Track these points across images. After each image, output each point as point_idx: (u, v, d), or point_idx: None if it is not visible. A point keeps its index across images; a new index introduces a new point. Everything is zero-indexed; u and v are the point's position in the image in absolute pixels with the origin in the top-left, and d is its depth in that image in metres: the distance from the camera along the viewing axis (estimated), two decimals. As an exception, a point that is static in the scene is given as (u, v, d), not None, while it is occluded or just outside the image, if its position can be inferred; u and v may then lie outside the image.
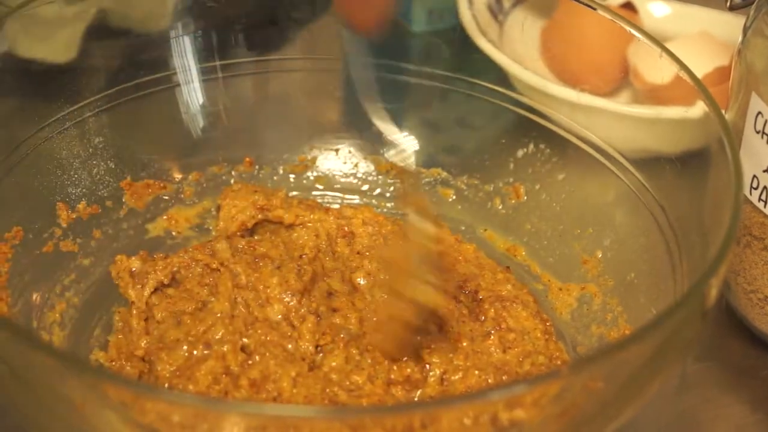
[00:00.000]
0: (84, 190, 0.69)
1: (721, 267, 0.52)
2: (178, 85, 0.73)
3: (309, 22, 0.77)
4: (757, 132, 0.65)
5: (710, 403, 0.69)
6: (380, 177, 0.77)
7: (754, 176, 0.66)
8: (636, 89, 0.80)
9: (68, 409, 0.50)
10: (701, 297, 0.52)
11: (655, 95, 0.76)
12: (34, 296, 0.64)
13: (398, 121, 0.76)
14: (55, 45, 0.69)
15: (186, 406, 0.47)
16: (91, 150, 0.69)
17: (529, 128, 0.73)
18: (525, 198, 0.74)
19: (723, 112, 0.61)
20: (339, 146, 0.77)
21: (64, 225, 0.68)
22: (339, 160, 0.77)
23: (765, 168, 0.65)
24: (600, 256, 0.70)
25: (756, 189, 0.66)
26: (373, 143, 0.77)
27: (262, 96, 0.76)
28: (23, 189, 0.67)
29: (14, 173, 0.65)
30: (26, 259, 0.65)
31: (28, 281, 0.64)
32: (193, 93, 0.73)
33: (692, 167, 0.64)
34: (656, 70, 0.71)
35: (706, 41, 0.81)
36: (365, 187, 0.77)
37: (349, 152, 0.77)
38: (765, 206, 0.66)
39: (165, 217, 0.72)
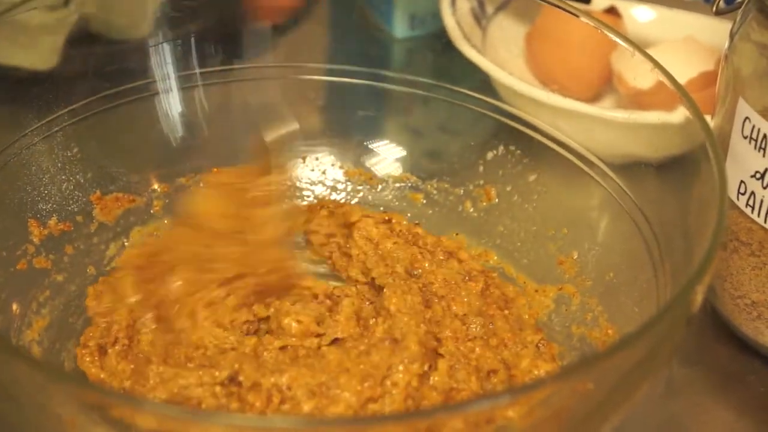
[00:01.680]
0: (54, 205, 0.68)
1: (706, 274, 0.52)
2: (149, 95, 0.72)
3: (289, 29, 0.77)
4: (745, 137, 0.65)
5: (698, 408, 0.68)
6: (349, 184, 0.76)
7: (742, 181, 0.66)
8: (620, 95, 0.80)
9: (57, 427, 0.50)
10: (687, 303, 0.52)
11: (638, 101, 0.76)
12: (11, 315, 0.63)
13: (380, 128, 0.77)
14: (37, 52, 0.68)
15: (173, 419, 0.46)
16: (60, 165, 0.69)
17: (499, 130, 0.73)
18: (496, 200, 0.73)
19: (709, 118, 0.61)
20: (307, 153, 0.76)
21: (37, 241, 0.67)
22: (306, 168, 0.76)
23: (752, 173, 0.65)
24: (576, 256, 0.69)
25: (743, 194, 0.66)
26: (345, 150, 0.76)
27: (236, 104, 0.76)
28: (-4, 206, 0.66)
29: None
30: (1, 278, 0.64)
31: (5, 299, 0.64)
32: (166, 102, 0.73)
33: (674, 172, 0.64)
34: (639, 75, 0.71)
35: (691, 46, 0.80)
36: (334, 196, 0.76)
37: (317, 159, 0.76)
38: (752, 212, 0.66)
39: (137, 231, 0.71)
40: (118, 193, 0.70)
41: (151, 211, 0.72)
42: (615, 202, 0.66)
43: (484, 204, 0.74)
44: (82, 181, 0.69)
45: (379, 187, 0.76)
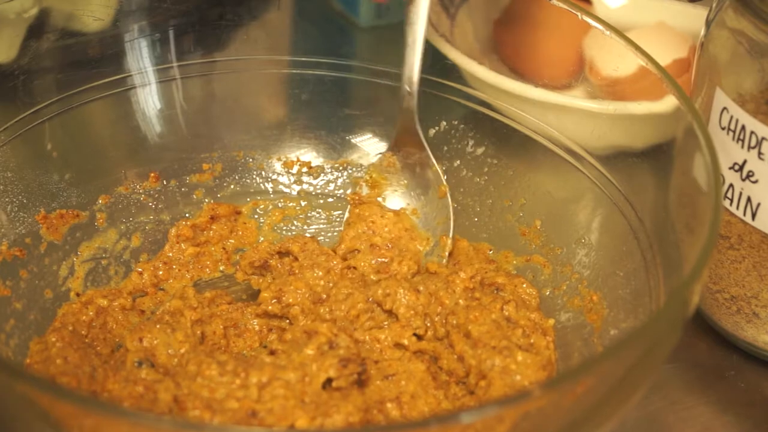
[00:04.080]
0: (2, 230, 0.66)
1: (703, 271, 0.50)
2: (79, 105, 0.70)
3: (258, 19, 0.75)
4: (722, 128, 0.64)
5: (677, 405, 0.67)
6: (291, 176, 0.75)
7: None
8: (592, 82, 0.78)
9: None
10: (683, 302, 0.50)
11: (612, 89, 0.74)
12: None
13: (346, 120, 0.75)
14: None
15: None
16: (2, 187, 0.67)
17: (439, 105, 0.72)
18: (445, 177, 0.72)
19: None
20: (244, 149, 0.75)
21: None
22: (251, 162, 0.74)
23: (731, 165, 0.64)
24: (540, 225, 0.69)
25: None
26: (297, 143, 0.75)
27: (172, 107, 0.74)
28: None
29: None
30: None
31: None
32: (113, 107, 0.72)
33: (656, 157, 0.63)
34: (616, 62, 0.69)
35: (664, 32, 0.79)
36: (271, 187, 0.75)
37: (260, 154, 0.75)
38: (731, 204, 0.65)
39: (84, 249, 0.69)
40: (61, 209, 0.69)
41: (96, 224, 0.70)
42: (587, 180, 0.66)
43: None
44: (25, 201, 0.67)
45: (321, 176, 0.75)
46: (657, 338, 0.50)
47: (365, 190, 0.71)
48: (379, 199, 0.71)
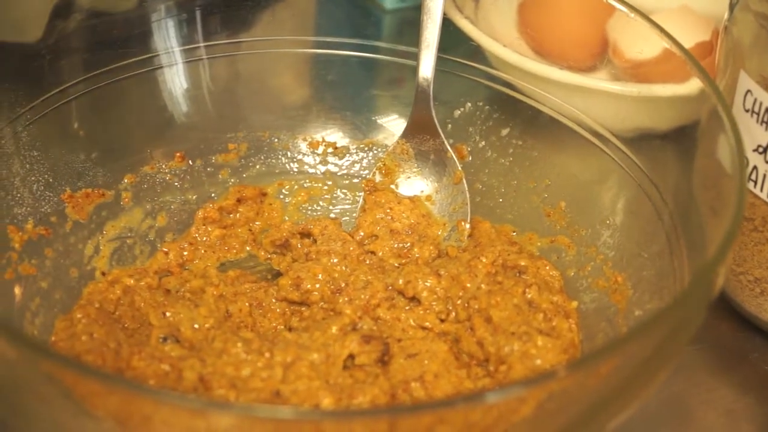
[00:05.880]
0: (28, 208, 0.66)
1: (728, 253, 0.51)
2: (104, 84, 0.70)
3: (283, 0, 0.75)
4: (747, 110, 0.63)
5: (699, 388, 0.67)
6: (317, 157, 0.75)
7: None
8: (615, 65, 0.78)
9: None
10: (708, 284, 0.50)
11: (636, 71, 0.74)
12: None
13: (371, 101, 0.75)
14: (20, 24, 0.66)
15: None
16: (28, 166, 0.67)
17: (464, 86, 0.72)
18: (470, 158, 0.73)
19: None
20: (270, 129, 0.75)
21: (18, 248, 0.65)
22: (276, 142, 0.75)
23: (755, 147, 0.64)
24: (564, 207, 0.69)
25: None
26: (332, 123, 0.75)
27: (190, 90, 0.74)
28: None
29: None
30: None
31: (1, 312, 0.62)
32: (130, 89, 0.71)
33: (681, 139, 0.63)
34: (640, 44, 0.69)
35: (687, 16, 0.78)
36: (296, 168, 0.75)
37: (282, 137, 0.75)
38: (755, 186, 0.65)
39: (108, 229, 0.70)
40: (87, 189, 0.69)
41: (121, 204, 0.70)
42: (611, 161, 0.66)
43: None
44: (51, 180, 0.68)
45: (346, 156, 0.75)
46: (682, 319, 0.50)
47: (378, 177, 0.72)
48: (392, 186, 0.72)
